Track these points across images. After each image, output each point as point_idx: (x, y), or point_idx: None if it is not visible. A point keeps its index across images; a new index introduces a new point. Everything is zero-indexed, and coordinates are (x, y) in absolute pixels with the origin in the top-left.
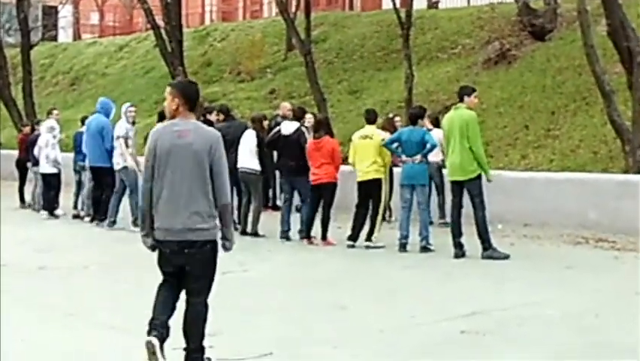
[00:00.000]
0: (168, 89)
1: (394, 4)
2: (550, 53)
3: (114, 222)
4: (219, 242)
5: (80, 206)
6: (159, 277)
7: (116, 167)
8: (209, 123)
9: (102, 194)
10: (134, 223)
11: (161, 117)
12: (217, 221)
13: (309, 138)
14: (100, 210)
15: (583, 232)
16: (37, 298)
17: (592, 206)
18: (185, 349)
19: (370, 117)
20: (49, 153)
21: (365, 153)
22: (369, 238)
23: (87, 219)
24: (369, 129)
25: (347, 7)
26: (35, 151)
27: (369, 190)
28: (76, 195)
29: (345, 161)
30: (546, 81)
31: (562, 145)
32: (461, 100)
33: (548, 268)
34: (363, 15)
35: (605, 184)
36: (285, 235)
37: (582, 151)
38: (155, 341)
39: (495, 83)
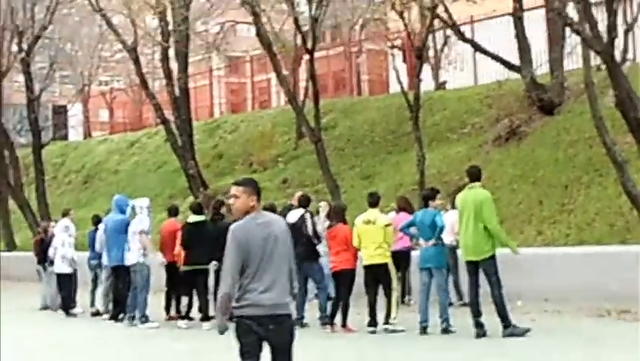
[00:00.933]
0: (240, 188)
1: (402, 88)
2: (560, 126)
3: (133, 318)
4: None
5: (96, 303)
6: None
7: (132, 262)
8: (222, 216)
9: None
10: (143, 320)
11: (171, 212)
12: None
13: (320, 223)
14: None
15: (604, 305)
16: None
17: (612, 278)
18: None
19: (373, 200)
20: (66, 252)
21: (369, 238)
22: (387, 321)
23: (106, 316)
24: (372, 213)
25: (355, 93)
26: (50, 252)
27: (376, 275)
28: (93, 292)
29: None
30: (558, 155)
31: (577, 219)
32: (473, 180)
33: (572, 343)
34: (372, 100)
35: (624, 256)
36: (299, 322)
37: (598, 224)
38: None
39: (507, 160)
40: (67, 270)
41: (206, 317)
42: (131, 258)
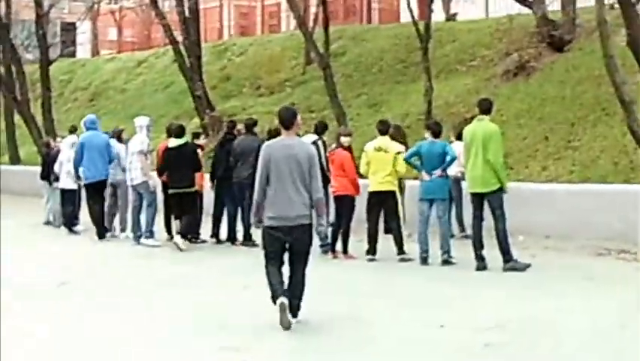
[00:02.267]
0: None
1: (413, 17)
2: (569, 63)
3: (140, 236)
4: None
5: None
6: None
7: (135, 181)
8: (234, 136)
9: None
10: (148, 235)
11: (170, 133)
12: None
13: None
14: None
15: (605, 244)
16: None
17: (614, 217)
18: (290, 302)
19: (383, 128)
20: (71, 168)
21: (380, 165)
22: (402, 252)
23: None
24: (384, 141)
25: (365, 21)
26: (56, 167)
27: (381, 201)
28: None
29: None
30: (565, 92)
31: (582, 156)
32: (482, 112)
33: (570, 279)
34: (382, 28)
35: (627, 195)
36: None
37: (603, 162)
38: (286, 301)
39: (514, 95)
40: (72, 186)
41: (186, 233)
42: (135, 176)
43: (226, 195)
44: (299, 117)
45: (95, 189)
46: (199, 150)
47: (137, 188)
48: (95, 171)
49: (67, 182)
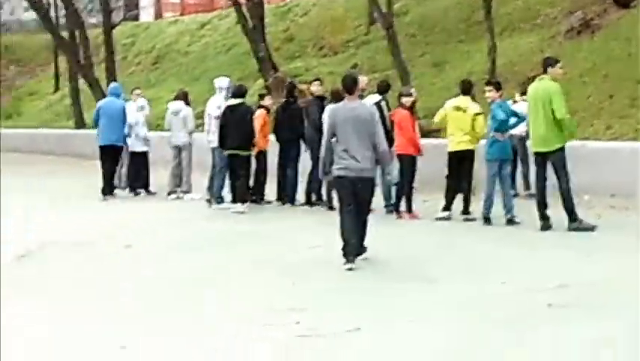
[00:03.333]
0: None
1: None
2: (635, 20)
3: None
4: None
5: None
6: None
7: (212, 144)
8: (295, 99)
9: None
10: (218, 200)
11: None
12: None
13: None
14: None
15: None
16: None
17: None
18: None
19: (465, 87)
20: (140, 131)
21: (459, 124)
22: (467, 211)
23: (173, 195)
24: (464, 100)
25: None
26: (125, 130)
27: (461, 160)
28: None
29: (427, 134)
30: (631, 49)
31: None
32: (545, 71)
33: (637, 239)
34: None
35: None
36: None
37: None
38: (353, 266)
39: (579, 53)
40: (142, 148)
41: (241, 199)
42: (213, 140)
43: (288, 159)
44: (362, 80)
45: (106, 153)
46: (263, 111)
47: (215, 151)
48: (108, 135)
49: (137, 144)
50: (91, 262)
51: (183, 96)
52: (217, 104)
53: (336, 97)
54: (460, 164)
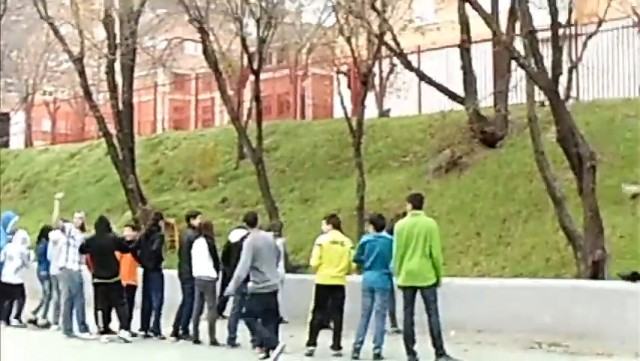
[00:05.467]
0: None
1: (345, 113)
2: (501, 159)
3: (71, 329)
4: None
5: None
6: None
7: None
8: (159, 228)
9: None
10: (83, 328)
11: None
12: None
13: None
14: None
15: (536, 337)
16: None
17: (545, 311)
18: None
19: (335, 222)
20: (19, 264)
21: (335, 258)
22: (338, 347)
23: (54, 327)
24: (338, 235)
25: (299, 116)
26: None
27: (334, 295)
28: (47, 304)
29: (293, 269)
30: (497, 188)
31: (514, 252)
32: (419, 207)
33: None
34: (315, 124)
35: (558, 289)
36: (231, 342)
37: (534, 258)
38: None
39: (446, 191)
40: (18, 281)
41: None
42: (60, 263)
43: (152, 288)
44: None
45: None
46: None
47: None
48: None
49: (13, 277)
50: None
51: (62, 226)
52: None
53: (203, 229)
54: (331, 298)
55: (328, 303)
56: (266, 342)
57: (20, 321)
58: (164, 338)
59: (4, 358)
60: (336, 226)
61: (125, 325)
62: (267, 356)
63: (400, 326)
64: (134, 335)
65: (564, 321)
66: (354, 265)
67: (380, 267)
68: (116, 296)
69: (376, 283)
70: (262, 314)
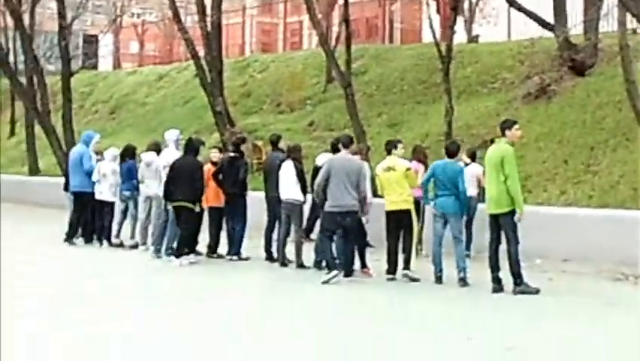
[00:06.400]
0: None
1: (435, 38)
2: (590, 88)
3: (159, 250)
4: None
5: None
6: None
7: (157, 193)
8: (242, 153)
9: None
10: (168, 253)
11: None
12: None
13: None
14: (84, 233)
15: (623, 269)
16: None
17: (632, 243)
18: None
19: (389, 147)
20: (113, 181)
21: (391, 185)
22: (407, 267)
23: (142, 247)
24: (392, 160)
25: (387, 40)
26: (94, 178)
27: (399, 221)
28: (120, 223)
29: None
30: (586, 117)
31: (601, 181)
32: (503, 134)
33: (587, 304)
34: (404, 48)
35: None
36: (318, 265)
37: (622, 187)
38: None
39: (535, 118)
40: (113, 198)
41: (188, 251)
42: (157, 190)
43: (235, 213)
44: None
45: (74, 199)
46: (210, 166)
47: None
48: (72, 182)
49: (109, 194)
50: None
51: (155, 147)
52: (167, 157)
53: (292, 152)
54: (397, 224)
55: (396, 228)
56: (330, 263)
57: (110, 241)
58: (247, 259)
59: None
60: (389, 151)
61: (179, 251)
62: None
63: (472, 251)
64: (220, 256)
65: None
66: (414, 184)
67: (449, 192)
68: (188, 222)
69: (445, 207)
70: (338, 234)
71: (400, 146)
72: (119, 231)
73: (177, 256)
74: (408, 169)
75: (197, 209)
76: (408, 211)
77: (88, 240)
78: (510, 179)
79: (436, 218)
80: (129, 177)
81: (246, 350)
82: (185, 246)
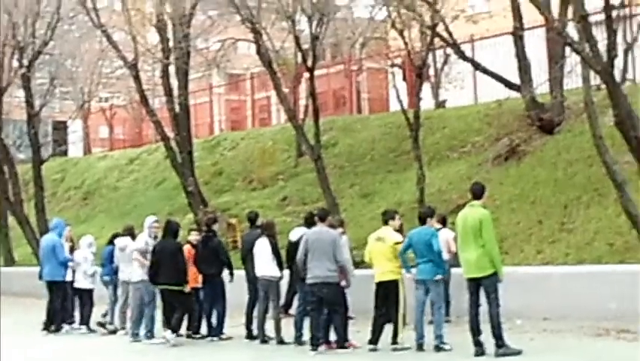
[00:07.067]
0: None
1: (402, 106)
2: (559, 146)
3: (137, 334)
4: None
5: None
6: None
7: (136, 278)
8: (214, 233)
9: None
10: (148, 335)
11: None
12: None
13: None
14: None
15: (604, 324)
16: None
17: (611, 297)
18: None
19: (387, 218)
20: (88, 268)
21: (379, 255)
22: (395, 341)
23: (122, 332)
24: (384, 231)
25: (355, 111)
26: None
27: (386, 291)
28: (111, 309)
29: (357, 265)
30: (557, 174)
31: (577, 238)
32: (475, 198)
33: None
34: (372, 118)
35: (623, 275)
36: (299, 340)
37: (598, 243)
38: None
39: (506, 179)
40: (89, 286)
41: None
42: (135, 275)
43: (211, 294)
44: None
45: (47, 287)
46: (189, 247)
47: (136, 286)
48: (44, 270)
49: (84, 282)
50: None
51: (129, 232)
52: (140, 240)
53: (266, 228)
54: (385, 294)
55: (383, 298)
56: (312, 337)
57: (89, 328)
58: (229, 339)
59: None
60: (385, 222)
61: (175, 328)
62: (315, 350)
63: (450, 317)
64: (202, 336)
65: (631, 307)
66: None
67: (426, 258)
68: (180, 302)
69: (423, 274)
70: (318, 305)
71: (397, 217)
72: (112, 316)
73: (173, 331)
74: (397, 243)
75: (187, 289)
76: (395, 282)
77: (58, 328)
78: (489, 243)
79: (417, 285)
80: (110, 261)
81: None
82: (180, 325)
